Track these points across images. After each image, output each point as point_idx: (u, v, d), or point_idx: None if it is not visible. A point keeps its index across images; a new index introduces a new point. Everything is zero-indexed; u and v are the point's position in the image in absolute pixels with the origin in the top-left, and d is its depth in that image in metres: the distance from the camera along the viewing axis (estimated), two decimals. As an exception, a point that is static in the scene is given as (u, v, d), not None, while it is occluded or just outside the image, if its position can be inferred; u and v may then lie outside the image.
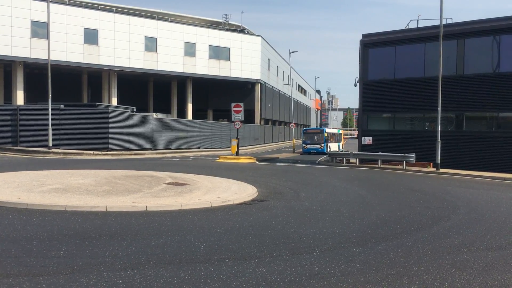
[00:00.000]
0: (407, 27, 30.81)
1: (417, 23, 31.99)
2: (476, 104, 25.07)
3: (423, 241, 8.13)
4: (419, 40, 26.93)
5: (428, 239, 8.35)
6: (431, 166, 24.95)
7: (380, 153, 26.63)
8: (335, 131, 55.77)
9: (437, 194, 14.93)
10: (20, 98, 40.04)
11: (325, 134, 46.93)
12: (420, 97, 26.59)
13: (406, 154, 25.11)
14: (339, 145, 51.70)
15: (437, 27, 24.82)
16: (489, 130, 25.30)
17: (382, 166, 26.42)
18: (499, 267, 6.64)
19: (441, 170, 23.71)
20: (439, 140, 23.84)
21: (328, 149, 44.48)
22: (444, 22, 24.62)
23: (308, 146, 46.71)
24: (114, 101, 45.56)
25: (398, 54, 27.77)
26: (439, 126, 23.91)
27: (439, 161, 23.85)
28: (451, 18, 31.09)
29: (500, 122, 25.17)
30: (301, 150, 48.27)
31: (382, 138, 28.17)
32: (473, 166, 24.23)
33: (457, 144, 25.36)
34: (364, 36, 29.33)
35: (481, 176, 22.13)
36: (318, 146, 46.17)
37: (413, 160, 24.96)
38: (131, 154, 31.16)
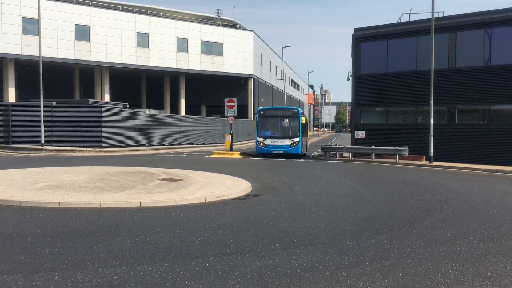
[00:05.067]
0: (399, 21, 30.89)
1: (409, 17, 32.07)
2: (468, 97, 25.23)
3: (416, 234, 8.19)
4: (411, 33, 27.00)
5: (421, 231, 8.41)
6: (424, 159, 25.08)
7: (373, 147, 26.70)
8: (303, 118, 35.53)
9: (430, 187, 15.03)
10: (11, 95, 39.82)
11: (302, 120, 28.07)
12: (412, 91, 26.71)
13: (399, 148, 25.22)
14: (306, 140, 34.04)
15: (428, 20, 24.90)
16: (481, 122, 25.48)
17: (375, 160, 26.51)
18: (491, 258, 6.71)
19: (434, 163, 23.85)
20: (432, 133, 23.95)
21: (302, 148, 28.75)
22: (435, 15, 24.70)
23: (268, 143, 27.33)
24: (107, 98, 45.35)
25: (390, 48, 27.84)
26: (432, 119, 24.03)
27: (432, 154, 23.97)
28: (443, 12, 31.24)
29: (492, 114, 25.37)
30: None
31: (375, 132, 28.27)
32: (466, 159, 24.39)
33: (449, 137, 25.53)
34: (356, 30, 29.37)
35: (473, 169, 22.29)
36: (287, 142, 27.23)
37: (406, 153, 25.07)
38: (124, 151, 31.03)
